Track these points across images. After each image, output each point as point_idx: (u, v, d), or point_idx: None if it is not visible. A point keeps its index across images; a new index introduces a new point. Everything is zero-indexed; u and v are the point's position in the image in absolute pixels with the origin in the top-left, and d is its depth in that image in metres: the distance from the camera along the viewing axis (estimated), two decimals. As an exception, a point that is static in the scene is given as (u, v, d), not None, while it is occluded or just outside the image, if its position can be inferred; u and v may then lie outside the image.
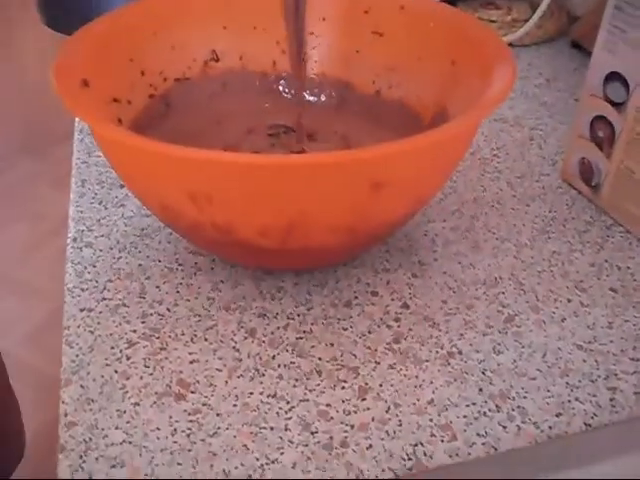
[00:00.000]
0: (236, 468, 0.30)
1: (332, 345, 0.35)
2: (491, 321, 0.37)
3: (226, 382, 0.33)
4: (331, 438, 0.31)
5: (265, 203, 0.30)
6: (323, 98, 0.47)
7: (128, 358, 0.34)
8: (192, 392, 0.33)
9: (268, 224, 0.31)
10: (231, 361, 0.34)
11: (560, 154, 0.50)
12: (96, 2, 0.64)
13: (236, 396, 0.32)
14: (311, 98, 0.47)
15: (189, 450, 0.30)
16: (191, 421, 0.31)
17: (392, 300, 0.38)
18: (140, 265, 0.40)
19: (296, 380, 0.33)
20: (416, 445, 0.30)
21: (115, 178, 0.46)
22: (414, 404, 0.32)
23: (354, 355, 0.35)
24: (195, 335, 0.35)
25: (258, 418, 0.31)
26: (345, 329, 0.36)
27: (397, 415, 0.32)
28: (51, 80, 0.33)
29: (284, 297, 0.38)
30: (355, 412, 0.32)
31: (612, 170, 0.43)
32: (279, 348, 0.35)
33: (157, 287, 0.38)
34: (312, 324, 0.36)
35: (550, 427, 0.31)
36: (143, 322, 0.36)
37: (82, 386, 0.33)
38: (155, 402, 0.32)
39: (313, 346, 0.35)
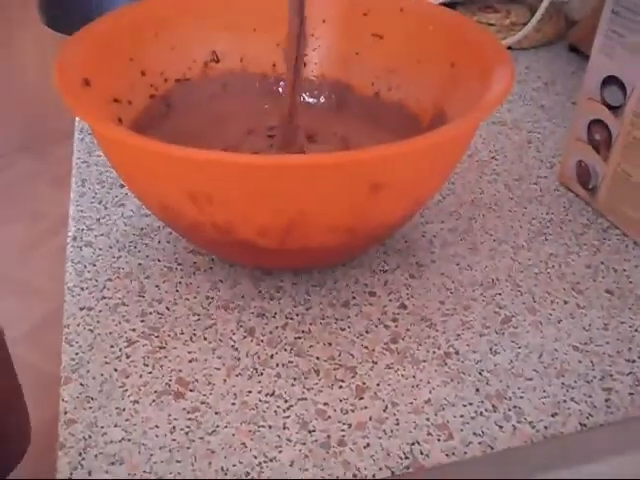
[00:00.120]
0: (234, 466, 0.30)
1: (330, 345, 0.35)
2: (488, 322, 0.37)
3: (225, 381, 0.33)
4: (329, 437, 0.31)
5: (265, 203, 0.31)
6: (322, 100, 0.47)
7: (127, 357, 0.34)
8: (191, 390, 0.33)
9: (267, 224, 0.31)
10: (230, 360, 0.34)
11: (557, 157, 0.50)
12: (96, 2, 0.64)
13: (235, 395, 0.33)
14: (311, 100, 0.47)
15: (188, 448, 0.30)
16: (190, 419, 0.32)
17: (390, 300, 0.38)
18: (140, 264, 0.40)
19: (294, 379, 0.33)
20: (413, 444, 0.31)
21: (115, 178, 0.47)
22: (411, 403, 0.32)
23: (352, 355, 0.35)
24: (194, 334, 0.36)
25: (256, 417, 0.32)
26: (343, 329, 0.36)
27: (394, 414, 0.32)
28: (53, 79, 0.33)
29: (283, 297, 0.38)
30: (353, 411, 0.32)
31: (609, 173, 0.43)
32: (277, 347, 0.35)
33: (156, 286, 0.38)
34: (310, 324, 0.36)
35: (546, 427, 0.32)
36: (142, 321, 0.36)
37: (82, 384, 0.33)
38: (154, 400, 0.32)
39: (311, 346, 0.35)
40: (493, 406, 0.32)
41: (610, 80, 0.41)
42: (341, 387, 0.33)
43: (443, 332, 0.36)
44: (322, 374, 0.34)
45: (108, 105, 0.39)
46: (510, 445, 0.31)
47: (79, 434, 0.31)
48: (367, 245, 0.37)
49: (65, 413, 0.32)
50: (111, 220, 0.43)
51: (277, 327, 0.36)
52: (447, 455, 0.30)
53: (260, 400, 0.32)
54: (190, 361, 0.34)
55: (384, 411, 0.32)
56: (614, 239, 0.43)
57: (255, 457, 0.30)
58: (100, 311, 0.37)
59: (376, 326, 0.36)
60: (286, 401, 0.32)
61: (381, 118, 0.44)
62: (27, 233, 1.59)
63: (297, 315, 0.37)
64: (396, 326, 0.36)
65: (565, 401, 0.33)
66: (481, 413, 0.32)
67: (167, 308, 0.37)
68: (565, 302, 0.38)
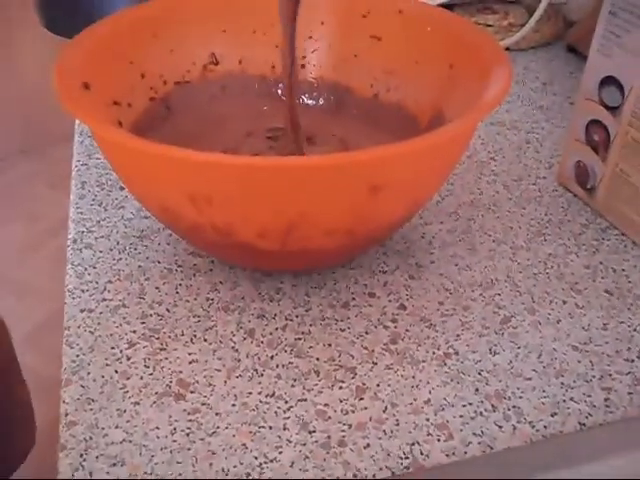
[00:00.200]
0: (235, 467, 0.30)
1: (330, 346, 0.35)
2: (487, 322, 0.37)
3: (225, 382, 0.33)
4: (329, 437, 0.31)
5: (265, 205, 0.31)
6: (321, 101, 0.47)
7: (128, 358, 0.34)
8: (191, 392, 0.33)
9: (267, 226, 0.32)
10: (230, 361, 0.34)
11: (556, 157, 0.50)
12: (98, 5, 0.64)
13: (235, 396, 0.33)
14: (309, 101, 0.47)
15: (188, 449, 0.31)
16: (190, 420, 0.32)
17: (389, 301, 0.38)
18: (140, 266, 0.40)
19: (294, 380, 0.34)
20: (413, 444, 0.31)
21: (115, 180, 0.47)
22: (411, 404, 0.33)
23: (352, 355, 0.35)
24: (194, 335, 0.36)
25: (257, 417, 0.32)
26: (343, 330, 0.36)
27: (394, 415, 0.32)
28: (52, 83, 0.34)
29: (282, 298, 0.38)
30: (353, 412, 0.32)
31: (607, 173, 0.43)
32: (277, 348, 0.35)
33: (157, 288, 0.38)
34: (310, 325, 0.36)
35: (545, 427, 0.32)
36: (143, 323, 0.36)
37: (82, 386, 0.33)
38: (155, 402, 0.32)
39: (311, 347, 0.35)
40: (493, 406, 0.33)
41: (608, 80, 0.41)
42: (341, 388, 0.33)
43: (442, 332, 0.36)
44: (322, 375, 0.34)
45: (108, 108, 0.39)
46: (510, 445, 0.31)
47: (80, 436, 0.31)
48: (366, 246, 0.38)
49: (66, 415, 0.32)
50: (111, 222, 0.43)
51: (277, 328, 0.36)
52: (447, 455, 0.31)
53: (260, 401, 0.33)
54: (190, 362, 0.34)
55: (384, 411, 0.32)
56: (613, 239, 0.43)
57: (256, 458, 0.30)
58: (100, 313, 0.37)
59: (376, 327, 0.36)
60: (286, 402, 0.33)
61: (380, 119, 0.45)
62: (26, 234, 1.59)
63: (297, 316, 0.37)
64: (396, 327, 0.37)
65: (564, 401, 0.33)
66: (481, 413, 0.32)
67: (167, 310, 0.37)
68: (564, 302, 0.38)
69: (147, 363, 0.34)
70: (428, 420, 0.32)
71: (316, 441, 0.31)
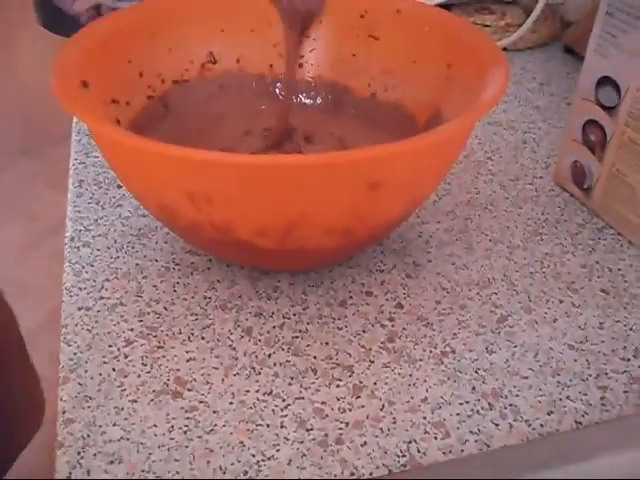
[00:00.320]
0: (232, 464, 0.30)
1: (327, 344, 0.35)
2: (484, 321, 0.37)
3: (223, 380, 0.33)
4: (326, 435, 0.31)
5: (264, 203, 0.31)
6: (319, 101, 0.47)
7: (126, 356, 0.34)
8: (189, 390, 0.33)
9: (267, 224, 0.32)
10: (228, 359, 0.34)
11: (553, 157, 0.50)
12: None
13: (232, 394, 0.33)
14: (307, 101, 0.47)
15: (186, 447, 0.31)
16: (188, 418, 0.32)
17: (386, 300, 0.38)
18: (137, 264, 0.40)
19: (292, 378, 0.34)
20: (410, 442, 0.31)
21: (112, 178, 0.47)
22: (408, 402, 0.33)
23: (349, 354, 0.35)
24: (192, 334, 0.36)
25: (254, 415, 0.32)
26: (340, 328, 0.36)
27: (391, 413, 0.32)
28: (51, 81, 0.34)
29: (280, 297, 0.38)
30: (350, 410, 0.32)
31: (604, 173, 0.43)
32: (275, 347, 0.35)
33: (154, 286, 0.39)
34: (307, 323, 0.37)
35: (541, 425, 0.32)
36: (140, 321, 0.36)
37: (80, 384, 0.33)
38: (152, 400, 0.32)
39: (308, 345, 0.35)
40: (489, 404, 0.33)
41: (605, 81, 0.42)
42: (338, 386, 0.33)
43: (439, 331, 0.36)
44: (319, 373, 0.34)
45: (106, 106, 0.39)
46: (506, 443, 0.31)
47: (78, 433, 0.31)
48: (364, 245, 0.38)
49: (64, 412, 0.32)
50: (109, 221, 0.43)
51: (274, 327, 0.36)
52: (444, 453, 0.31)
53: (258, 399, 0.33)
54: (188, 360, 0.34)
55: (381, 410, 0.32)
56: (609, 239, 0.43)
57: (253, 456, 0.30)
58: (98, 311, 0.37)
59: (373, 325, 0.37)
60: (284, 400, 0.33)
61: (378, 119, 0.45)
62: (24, 234, 1.58)
63: (294, 315, 0.37)
64: (393, 325, 0.37)
65: (561, 399, 0.33)
66: (477, 411, 0.32)
67: (165, 308, 0.37)
68: (560, 301, 0.39)
69: (145, 361, 0.34)
70: (425, 418, 0.32)
71: (313, 439, 0.31)
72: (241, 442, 0.31)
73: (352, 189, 0.31)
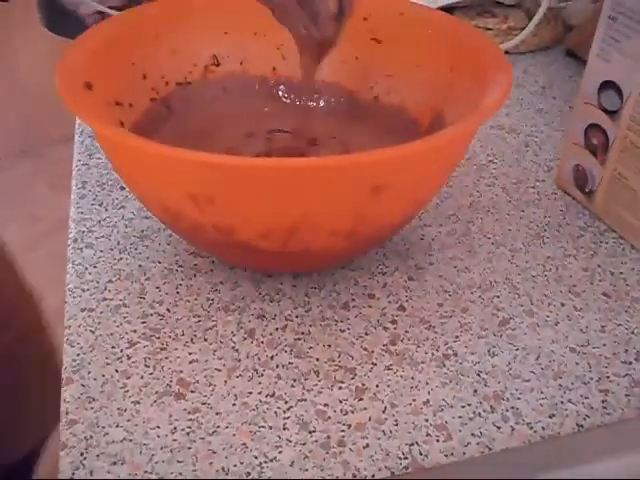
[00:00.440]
0: (235, 466, 0.30)
1: (330, 346, 0.36)
2: (486, 324, 0.37)
3: (225, 382, 0.34)
4: (328, 437, 0.31)
5: (267, 206, 0.31)
6: (322, 104, 0.47)
7: (129, 357, 0.35)
8: (192, 391, 0.33)
9: (270, 226, 0.32)
10: (230, 361, 0.35)
11: (555, 161, 0.51)
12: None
13: (235, 395, 0.33)
14: (310, 103, 0.47)
15: (189, 448, 0.31)
16: (191, 420, 0.32)
17: (389, 303, 0.38)
18: (140, 266, 0.40)
19: (294, 380, 0.34)
20: (412, 444, 0.31)
21: (115, 180, 0.47)
22: (410, 404, 0.33)
23: (351, 356, 0.35)
24: (195, 335, 0.36)
25: (257, 417, 0.32)
26: (342, 331, 0.36)
27: (393, 415, 0.32)
28: (54, 83, 0.34)
29: (282, 299, 0.38)
30: (352, 412, 0.32)
31: (606, 177, 0.43)
32: (277, 349, 0.35)
33: (157, 288, 0.39)
34: (310, 325, 0.37)
35: (543, 428, 0.32)
36: (143, 322, 0.36)
37: (83, 385, 0.33)
38: (155, 401, 0.33)
39: (311, 347, 0.35)
40: (491, 407, 0.33)
41: (607, 85, 0.42)
42: (341, 388, 0.33)
43: (442, 334, 0.36)
44: (322, 375, 0.34)
45: (110, 108, 0.39)
46: (508, 446, 0.31)
47: (81, 434, 0.31)
48: (367, 247, 0.38)
49: (67, 413, 0.32)
50: (112, 222, 0.43)
51: (277, 329, 0.36)
52: (446, 455, 0.31)
53: (260, 401, 0.33)
54: (191, 362, 0.34)
55: (383, 412, 0.32)
56: (611, 242, 0.43)
57: (255, 457, 0.30)
58: (101, 312, 0.37)
59: (375, 328, 0.37)
60: (286, 402, 0.33)
61: (380, 122, 0.45)
62: (24, 235, 1.58)
63: (297, 317, 0.37)
64: (395, 328, 0.37)
65: (562, 402, 0.33)
66: (479, 414, 0.32)
67: (168, 310, 0.37)
68: (562, 304, 0.39)
69: (147, 362, 0.34)
70: (427, 421, 0.32)
71: (316, 441, 0.31)
72: (244, 444, 0.31)
73: (355, 192, 0.31)
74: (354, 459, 0.30)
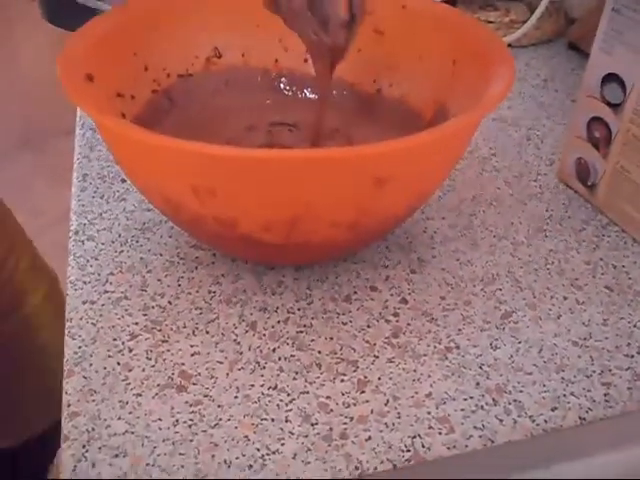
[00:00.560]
0: (237, 458, 0.30)
1: (332, 339, 0.35)
2: (488, 317, 0.37)
3: (227, 374, 0.34)
4: (331, 430, 0.31)
5: (270, 198, 0.31)
6: (324, 96, 0.47)
7: (130, 350, 0.35)
8: (194, 384, 0.33)
9: (272, 219, 0.32)
10: (232, 354, 0.35)
11: (557, 154, 0.50)
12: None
13: (237, 388, 0.33)
14: (312, 96, 0.47)
15: (191, 440, 0.31)
16: (193, 412, 0.32)
17: (391, 295, 0.38)
18: (142, 258, 0.40)
19: (296, 373, 0.34)
20: (414, 437, 0.31)
21: (116, 173, 0.47)
22: (412, 397, 0.33)
23: (353, 349, 0.35)
24: (197, 328, 0.36)
25: (259, 410, 0.32)
26: (345, 323, 0.36)
27: (396, 408, 0.32)
28: (55, 75, 0.34)
29: (284, 291, 0.38)
30: (354, 404, 0.32)
31: (608, 170, 0.43)
32: (279, 341, 0.35)
33: (159, 280, 0.39)
34: (312, 318, 0.37)
35: (545, 421, 0.32)
36: (145, 315, 0.36)
37: (85, 377, 0.33)
38: (157, 393, 0.33)
39: (313, 340, 0.35)
40: (493, 400, 0.33)
41: (610, 78, 0.42)
42: (343, 381, 0.33)
43: (444, 327, 0.36)
44: (324, 368, 0.34)
45: (111, 100, 0.39)
46: (510, 438, 0.31)
47: (82, 427, 0.31)
48: (369, 240, 0.38)
49: (68, 406, 0.32)
50: (113, 214, 0.43)
51: (279, 321, 0.36)
52: (448, 448, 0.31)
53: (262, 393, 0.33)
54: (192, 355, 0.34)
55: (385, 404, 0.32)
56: (613, 235, 0.43)
57: (258, 450, 0.30)
58: (103, 305, 0.37)
59: (377, 320, 0.37)
60: (288, 394, 0.33)
61: (383, 114, 0.45)
62: (25, 228, 1.58)
63: (299, 309, 0.37)
64: (397, 321, 0.37)
65: (565, 395, 0.33)
66: (482, 407, 0.32)
67: (169, 302, 0.37)
68: (565, 298, 0.39)
69: (149, 355, 0.34)
70: (429, 413, 0.32)
71: (318, 433, 0.31)
72: (246, 436, 0.31)
73: (358, 184, 0.31)
74: (356, 452, 0.30)
